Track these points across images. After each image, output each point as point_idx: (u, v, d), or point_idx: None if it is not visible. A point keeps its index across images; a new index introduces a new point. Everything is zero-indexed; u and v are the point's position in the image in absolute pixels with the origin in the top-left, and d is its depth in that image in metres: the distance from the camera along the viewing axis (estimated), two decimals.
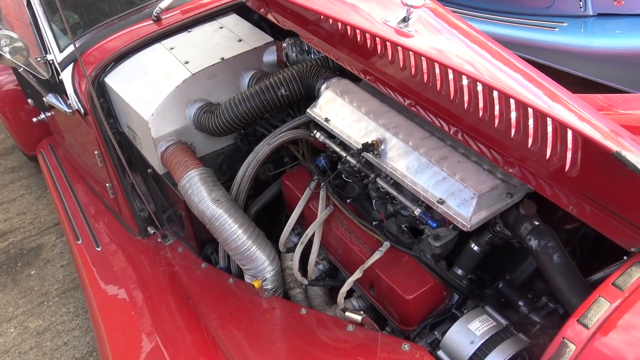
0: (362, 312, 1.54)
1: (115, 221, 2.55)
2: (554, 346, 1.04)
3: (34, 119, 2.99)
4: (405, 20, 1.17)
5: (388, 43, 1.41)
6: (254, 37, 2.12)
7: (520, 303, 1.44)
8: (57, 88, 2.32)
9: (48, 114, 2.94)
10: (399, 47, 1.35)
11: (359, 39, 1.54)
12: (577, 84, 3.56)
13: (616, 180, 1.07)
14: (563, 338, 1.04)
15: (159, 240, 2.27)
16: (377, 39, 1.47)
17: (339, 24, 1.59)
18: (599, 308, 1.05)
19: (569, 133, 1.11)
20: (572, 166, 1.15)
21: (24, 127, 3.54)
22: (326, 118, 1.70)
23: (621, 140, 1.21)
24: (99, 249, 2.38)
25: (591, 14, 3.59)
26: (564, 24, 3.69)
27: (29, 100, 3.18)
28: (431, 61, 1.33)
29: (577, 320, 1.05)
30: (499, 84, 1.09)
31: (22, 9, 2.39)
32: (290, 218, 1.79)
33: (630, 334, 1.03)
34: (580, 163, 1.13)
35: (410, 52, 1.34)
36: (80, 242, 2.47)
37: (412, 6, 1.16)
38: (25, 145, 3.66)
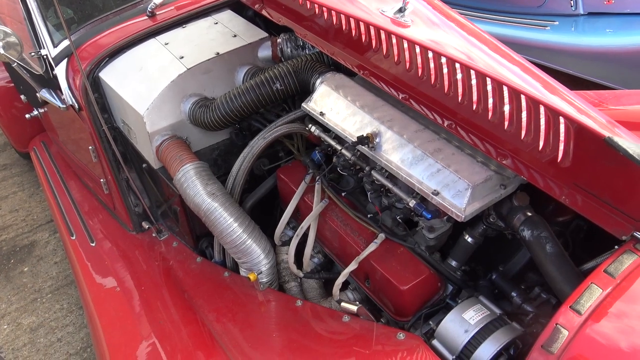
0: (357, 303, 1.55)
1: (110, 217, 2.55)
2: (547, 332, 1.06)
3: (27, 116, 2.98)
4: (401, 10, 1.19)
5: (383, 36, 1.43)
6: (249, 33, 2.13)
7: (514, 294, 1.46)
8: (51, 83, 2.32)
9: (41, 110, 2.93)
10: (393, 40, 1.36)
11: (353, 33, 1.55)
12: (568, 82, 3.59)
13: (608, 169, 1.09)
14: (556, 324, 1.06)
15: (153, 235, 2.28)
16: (371, 33, 1.48)
17: (334, 19, 1.60)
18: (591, 294, 1.07)
19: (562, 124, 1.13)
20: (564, 157, 1.17)
21: (17, 124, 3.52)
22: (321, 112, 1.72)
23: (617, 131, 1.23)
24: (94, 245, 2.38)
25: (582, 12, 3.63)
26: (555, 23, 3.73)
27: (22, 97, 3.16)
28: (426, 54, 1.35)
29: (570, 307, 1.07)
30: (491, 72, 1.11)
31: (15, 6, 2.39)
32: (286, 211, 1.80)
33: (621, 320, 1.05)
34: (573, 153, 1.15)
35: (405, 44, 1.36)
36: (74, 237, 2.47)
37: None
38: (17, 142, 3.64)
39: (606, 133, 0.95)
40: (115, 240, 2.37)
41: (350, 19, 1.49)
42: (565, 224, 1.57)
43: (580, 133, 1.07)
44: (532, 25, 3.82)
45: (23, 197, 3.66)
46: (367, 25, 1.41)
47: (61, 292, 2.90)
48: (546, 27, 3.73)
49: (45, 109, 2.85)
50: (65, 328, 2.70)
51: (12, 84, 3.45)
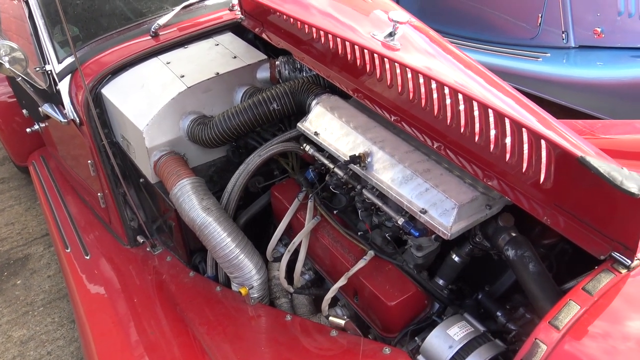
0: (345, 317, 1.58)
1: (105, 231, 2.58)
2: (526, 346, 1.10)
3: (28, 130, 3.03)
4: (391, 35, 1.25)
5: (376, 60, 1.49)
6: (249, 55, 2.20)
7: (498, 313, 1.50)
8: (54, 98, 2.37)
9: (42, 125, 2.98)
10: (386, 63, 1.42)
11: (349, 57, 1.62)
12: (559, 112, 3.68)
13: (586, 191, 1.14)
14: (535, 339, 1.10)
15: (148, 249, 2.31)
16: (366, 57, 1.55)
17: (331, 43, 1.67)
18: (569, 311, 1.11)
19: (543, 147, 1.18)
20: (546, 179, 1.22)
21: (17, 138, 3.57)
22: (316, 132, 1.77)
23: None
24: (88, 258, 2.40)
25: (573, 45, 3.74)
26: (547, 55, 3.83)
27: (24, 111, 3.22)
28: (417, 78, 1.41)
29: (549, 322, 1.10)
30: (478, 95, 1.16)
31: (23, 22, 2.46)
32: (279, 227, 1.84)
33: (598, 335, 1.09)
34: (554, 176, 1.20)
35: (397, 69, 1.42)
36: (69, 250, 2.49)
37: (397, 22, 1.24)
38: (16, 155, 3.69)
39: (579, 153, 1.00)
40: (109, 254, 2.40)
41: (346, 42, 1.55)
42: (551, 246, 1.61)
43: (559, 155, 1.13)
44: (524, 57, 3.92)
45: (19, 210, 3.68)
46: (354, 45, 1.47)
47: (53, 306, 2.91)
48: (538, 58, 3.83)
49: (46, 123, 2.91)
50: (55, 342, 2.71)
51: (14, 99, 3.52)
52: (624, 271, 1.16)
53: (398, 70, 1.45)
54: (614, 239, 1.16)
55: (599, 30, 3.54)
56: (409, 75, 1.43)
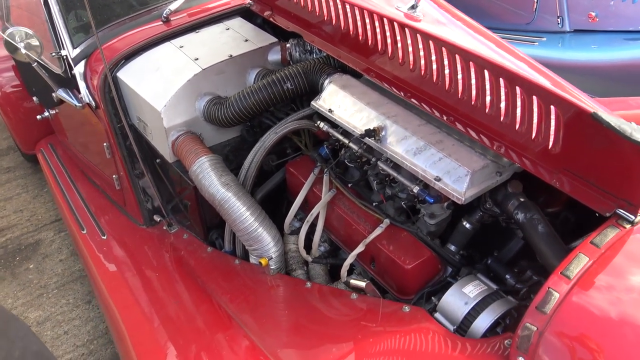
0: (365, 280, 1.67)
1: (119, 213, 2.65)
2: (540, 295, 1.19)
3: (38, 117, 3.09)
4: (414, 7, 1.33)
5: (388, 38, 1.56)
6: (259, 38, 2.26)
7: (507, 276, 1.59)
8: (69, 83, 2.43)
9: (52, 112, 3.04)
10: (398, 41, 1.49)
11: (360, 37, 1.69)
12: None
13: (593, 152, 1.23)
14: (548, 288, 1.19)
15: (164, 228, 2.38)
16: (377, 36, 1.62)
17: (342, 23, 1.73)
18: (579, 262, 1.20)
19: (552, 112, 1.26)
20: (554, 144, 1.31)
21: (24, 126, 3.63)
22: (330, 109, 1.85)
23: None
24: (105, 238, 2.47)
25: (568, 30, 3.84)
26: (543, 39, 3.93)
27: (34, 98, 3.27)
28: (429, 53, 1.49)
29: (561, 273, 1.20)
30: (491, 57, 1.24)
31: (37, 10, 2.51)
32: (296, 200, 1.92)
33: (605, 284, 1.19)
34: (562, 140, 1.28)
35: (409, 45, 1.50)
36: (85, 232, 2.56)
37: None
38: (24, 143, 3.73)
39: (592, 110, 1.09)
40: (125, 234, 2.47)
41: (357, 20, 1.62)
42: (555, 215, 1.70)
43: (570, 116, 1.21)
44: (521, 41, 4.01)
45: (27, 198, 3.74)
46: (366, 24, 1.53)
47: (67, 288, 2.98)
48: (534, 42, 3.93)
49: (57, 110, 2.96)
50: (71, 322, 2.78)
51: (21, 88, 3.57)
52: (628, 226, 1.25)
53: (410, 49, 1.53)
54: (619, 196, 1.25)
55: (593, 14, 3.64)
56: (422, 53, 1.50)
